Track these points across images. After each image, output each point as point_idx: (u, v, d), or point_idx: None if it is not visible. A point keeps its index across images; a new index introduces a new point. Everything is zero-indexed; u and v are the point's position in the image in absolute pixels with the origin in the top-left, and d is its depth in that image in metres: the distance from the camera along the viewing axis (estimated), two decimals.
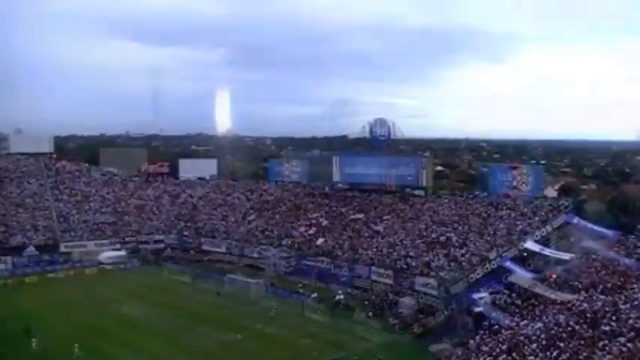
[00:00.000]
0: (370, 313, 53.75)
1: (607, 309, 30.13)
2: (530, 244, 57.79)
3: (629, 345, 24.63)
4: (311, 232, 73.56)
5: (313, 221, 76.16)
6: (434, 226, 65.70)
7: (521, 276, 50.41)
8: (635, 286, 34.55)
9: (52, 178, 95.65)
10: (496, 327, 34.65)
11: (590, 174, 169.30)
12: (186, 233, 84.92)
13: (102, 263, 77.11)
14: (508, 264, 55.33)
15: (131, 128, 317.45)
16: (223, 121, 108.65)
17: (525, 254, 57.72)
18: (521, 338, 29.60)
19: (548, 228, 60.72)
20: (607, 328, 27.27)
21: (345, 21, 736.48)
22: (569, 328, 28.56)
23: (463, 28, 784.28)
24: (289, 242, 72.77)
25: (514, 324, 33.69)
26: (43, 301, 61.01)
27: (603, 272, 39.81)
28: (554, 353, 26.01)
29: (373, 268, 61.66)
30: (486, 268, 55.72)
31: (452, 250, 59.31)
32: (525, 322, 33.19)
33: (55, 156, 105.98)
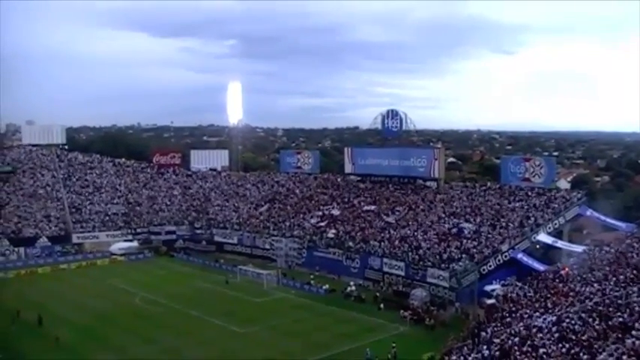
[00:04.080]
0: (382, 305, 53.77)
1: (620, 302, 29.93)
2: (543, 236, 57.60)
3: None
4: (323, 223, 73.54)
5: (325, 213, 76.14)
6: (446, 218, 65.46)
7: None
8: None
9: (64, 169, 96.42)
10: (508, 319, 34.51)
11: (603, 166, 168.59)
12: (197, 224, 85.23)
13: (114, 254, 77.84)
14: (520, 256, 55.21)
15: (143, 119, 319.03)
16: (235, 112, 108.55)
17: (538, 246, 57.57)
18: (534, 331, 29.45)
19: (561, 220, 60.42)
20: (620, 320, 27.12)
21: (356, 11, 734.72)
22: (582, 321, 28.43)
23: (474, 19, 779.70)
24: (301, 233, 72.86)
25: (526, 316, 33.52)
26: (55, 291, 61.60)
27: (616, 265, 39.52)
28: (567, 346, 25.88)
29: (385, 260, 61.59)
30: (498, 260, 55.55)
31: (464, 241, 59.08)
32: (537, 314, 32.99)
33: (67, 147, 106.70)
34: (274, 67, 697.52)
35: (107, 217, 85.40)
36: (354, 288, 58.94)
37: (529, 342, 27.79)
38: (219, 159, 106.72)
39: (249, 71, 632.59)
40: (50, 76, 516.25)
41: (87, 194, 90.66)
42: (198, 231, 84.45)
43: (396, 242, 63.25)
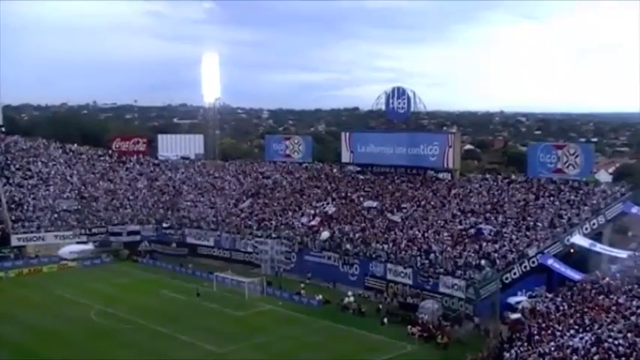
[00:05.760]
0: (385, 320, 53.71)
1: None
2: (579, 239, 57.43)
3: None
4: (315, 222, 73.41)
5: (318, 210, 76.00)
6: (462, 217, 65.45)
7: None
8: None
9: (0, 156, 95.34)
10: (536, 337, 34.48)
11: None
12: (166, 223, 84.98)
13: (64, 259, 77.43)
14: (551, 262, 55.10)
15: (100, 97, 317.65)
16: (211, 89, 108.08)
17: (572, 250, 57.45)
18: (568, 352, 29.40)
19: (601, 219, 60.20)
20: None
21: None
22: (627, 341, 28.32)
23: None
24: (290, 234, 72.69)
25: (558, 334, 33.49)
26: None
27: None
28: None
29: (389, 266, 61.57)
30: (525, 267, 55.39)
31: (483, 244, 59.06)
32: (572, 332, 32.97)
33: (4, 129, 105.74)
34: (259, 35, 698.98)
35: (56, 215, 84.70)
36: (352, 299, 58.84)
37: None
38: (192, 145, 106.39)
39: (229, 40, 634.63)
40: None
41: (30, 187, 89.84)
42: (167, 231, 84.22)
43: (403, 245, 63.19)
